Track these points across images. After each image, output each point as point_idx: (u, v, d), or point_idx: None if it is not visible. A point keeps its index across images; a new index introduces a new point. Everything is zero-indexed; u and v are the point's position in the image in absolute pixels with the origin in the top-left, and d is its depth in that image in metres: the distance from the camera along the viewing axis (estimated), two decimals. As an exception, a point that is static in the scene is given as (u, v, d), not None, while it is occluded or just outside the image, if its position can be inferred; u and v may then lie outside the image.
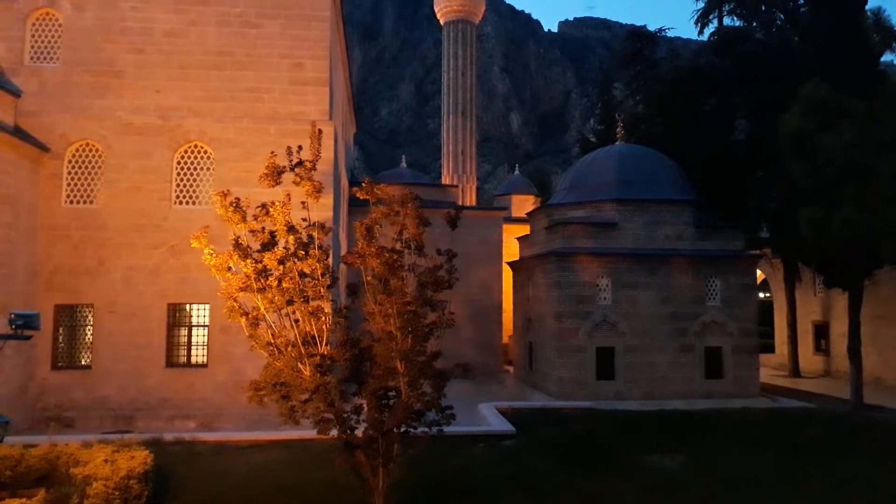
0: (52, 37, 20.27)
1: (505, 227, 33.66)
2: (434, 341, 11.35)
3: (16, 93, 19.35)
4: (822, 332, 32.58)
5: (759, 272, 30.47)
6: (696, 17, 34.42)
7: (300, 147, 12.02)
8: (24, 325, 9.87)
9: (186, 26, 20.47)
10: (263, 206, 11.28)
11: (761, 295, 34.09)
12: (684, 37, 57.38)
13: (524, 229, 31.07)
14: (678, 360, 23.00)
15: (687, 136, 28.27)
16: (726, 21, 34.00)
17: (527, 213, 31.54)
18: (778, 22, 31.79)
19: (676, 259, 23.46)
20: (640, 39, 35.05)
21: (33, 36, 20.24)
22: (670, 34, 37.67)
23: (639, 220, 23.87)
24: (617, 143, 27.45)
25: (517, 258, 30.03)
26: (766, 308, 35.74)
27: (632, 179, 24.74)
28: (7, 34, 19.88)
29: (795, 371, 31.54)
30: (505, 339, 34.03)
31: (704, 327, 23.25)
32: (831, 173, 18.59)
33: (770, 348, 35.33)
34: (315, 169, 11.78)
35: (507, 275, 31.75)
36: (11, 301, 17.65)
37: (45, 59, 20.19)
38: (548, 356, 23.91)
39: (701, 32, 34.86)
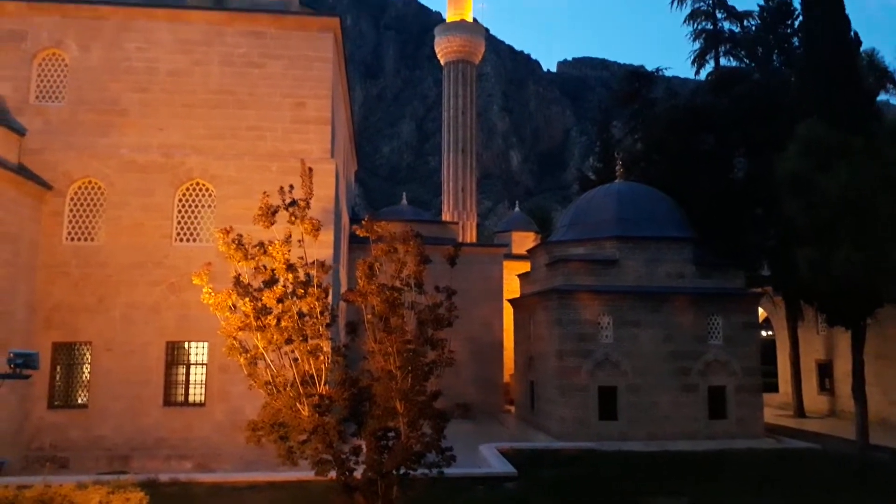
0: (58, 76, 20.54)
1: (505, 263, 33.64)
2: (434, 380, 11.23)
3: (20, 131, 19.52)
4: (825, 371, 32.28)
5: (760, 310, 30.34)
6: (693, 58, 35.03)
7: (292, 186, 12.05)
8: (24, 364, 9.82)
9: (191, 66, 20.75)
10: (261, 244, 11.26)
11: (763, 333, 33.88)
12: (682, 76, 58.16)
13: (525, 266, 31.04)
14: (681, 399, 22.75)
15: (685, 174, 28.46)
16: (723, 61, 34.61)
17: (527, 250, 31.55)
18: (774, 62, 32.29)
19: (677, 297, 23.39)
20: (637, 79, 35.55)
21: (39, 75, 20.51)
22: (668, 73, 38.18)
23: (639, 258, 23.87)
24: (616, 180, 27.62)
25: (518, 295, 29.94)
26: (769, 346, 35.48)
27: (631, 217, 24.82)
28: (14, 74, 20.14)
29: (800, 411, 31.17)
30: (506, 378, 33.72)
31: (707, 366, 23.06)
32: (829, 212, 18.65)
33: (774, 387, 34.97)
34: (309, 207, 11.80)
35: (509, 312, 31.61)
36: (10, 339, 17.53)
37: (50, 98, 20.42)
38: (550, 395, 23.66)
39: (698, 72, 35.42)
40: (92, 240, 19.94)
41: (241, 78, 20.83)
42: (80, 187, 20.09)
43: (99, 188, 20.09)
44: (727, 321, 23.43)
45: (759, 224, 28.75)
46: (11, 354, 9.93)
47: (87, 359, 19.44)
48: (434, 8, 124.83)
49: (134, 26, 20.69)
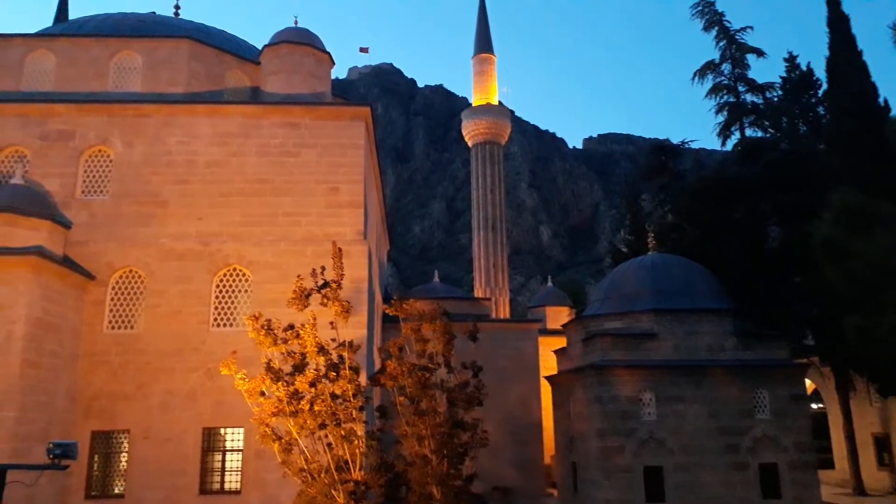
0: (103, 171, 21.49)
1: (541, 339, 33.15)
2: (470, 462, 10.96)
3: (66, 224, 20.32)
4: (883, 444, 30.66)
5: (808, 382, 29.23)
6: (717, 130, 35.33)
7: (323, 268, 12.23)
8: (62, 454, 9.86)
9: (228, 157, 21.57)
10: (291, 327, 11.37)
11: (814, 406, 32.52)
12: (708, 147, 58.53)
13: (560, 342, 30.58)
14: (732, 478, 21.71)
15: (718, 243, 28.24)
16: (748, 132, 34.82)
17: (562, 326, 31.15)
18: (801, 131, 32.40)
19: (720, 370, 22.71)
20: (664, 152, 35.90)
21: (86, 171, 21.49)
22: (694, 145, 38.55)
23: (678, 331, 23.38)
24: (649, 252, 27.44)
25: (555, 372, 29.38)
26: (821, 420, 33.95)
27: (667, 289, 24.49)
28: (62, 171, 21.14)
29: (860, 489, 29.45)
30: (547, 460, 32.64)
31: (756, 442, 22.09)
32: (871, 279, 18.22)
33: (829, 463, 33.22)
34: (340, 288, 11.94)
35: (547, 390, 30.94)
36: (50, 428, 17.71)
37: (95, 192, 21.32)
38: (593, 477, 22.78)
39: (724, 144, 35.65)
40: (132, 328, 20.31)
41: (277, 167, 21.55)
42: (121, 276, 20.66)
43: (139, 277, 20.63)
44: (774, 394, 22.58)
45: (798, 292, 28.14)
46: (51, 445, 9.99)
47: (125, 447, 19.44)
48: (460, 93, 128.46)
49: (175, 122, 21.73)
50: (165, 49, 23.59)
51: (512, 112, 61.21)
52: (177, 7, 29.44)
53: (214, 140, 21.69)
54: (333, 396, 10.81)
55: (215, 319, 20.48)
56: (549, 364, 32.10)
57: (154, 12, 29.27)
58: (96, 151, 21.61)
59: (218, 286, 20.77)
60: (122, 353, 19.90)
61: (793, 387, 22.96)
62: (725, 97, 35.44)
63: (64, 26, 28.87)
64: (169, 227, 20.93)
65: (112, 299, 20.50)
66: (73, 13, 43.39)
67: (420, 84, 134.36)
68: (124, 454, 19.41)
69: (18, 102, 21.76)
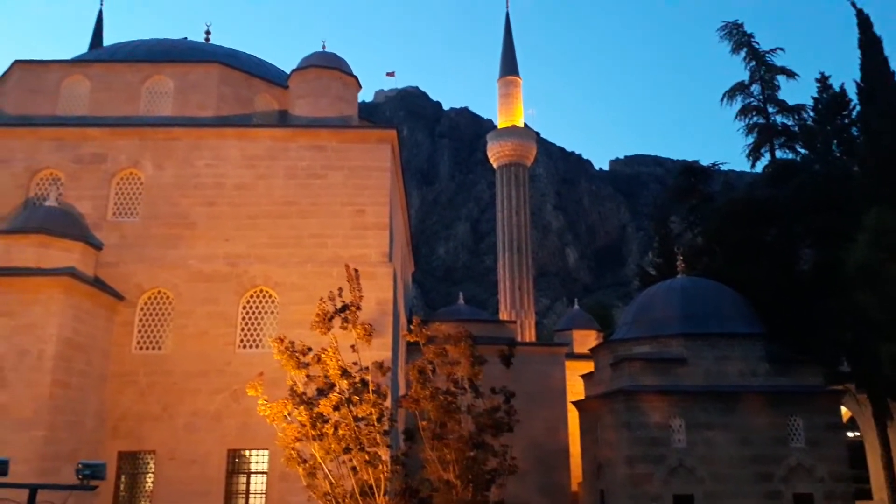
0: (134, 194, 21.83)
1: (568, 364, 32.74)
2: (497, 489, 10.74)
3: (97, 246, 20.63)
4: (924, 475, 29.53)
5: (844, 409, 28.41)
6: (747, 152, 34.88)
7: (340, 290, 12.15)
8: (91, 475, 9.87)
9: (255, 180, 21.79)
10: (311, 350, 11.30)
11: (850, 434, 31.55)
12: (737, 169, 57.74)
13: (588, 366, 30.17)
14: (765, 508, 21.07)
15: (749, 267, 27.74)
16: (778, 153, 34.32)
17: (590, 350, 30.76)
18: (835, 151, 31.86)
19: (752, 396, 22.18)
20: (693, 174, 35.53)
21: (117, 193, 21.85)
22: (723, 167, 38.06)
23: (708, 356, 22.92)
24: (678, 275, 27.04)
25: (582, 397, 28.95)
26: (858, 449, 32.88)
27: (697, 313, 24.08)
28: (94, 193, 21.52)
29: (900, 520, 28.36)
30: (574, 487, 32.06)
31: (790, 472, 21.46)
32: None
33: (866, 494, 32.09)
34: (360, 310, 11.85)
35: (574, 415, 30.48)
36: (79, 449, 17.83)
37: (126, 214, 21.65)
38: (620, 504, 22.29)
39: (753, 165, 35.17)
40: (159, 348, 20.46)
41: (304, 189, 21.70)
42: (149, 297, 20.87)
43: (167, 298, 20.81)
44: (808, 422, 21.96)
45: (832, 317, 27.45)
46: (80, 465, 10.02)
47: (151, 468, 19.49)
48: (485, 116, 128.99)
49: (204, 145, 22.04)
50: (196, 74, 24.01)
51: (537, 134, 61.24)
52: (207, 32, 30.04)
53: (243, 163, 21.93)
54: (357, 420, 10.69)
55: (241, 341, 20.55)
56: (576, 389, 31.65)
57: (185, 38, 29.92)
58: (128, 174, 21.98)
59: (244, 307, 20.88)
60: (149, 373, 20.02)
61: (828, 414, 22.34)
62: (755, 118, 35.03)
63: (98, 52, 29.64)
64: (197, 248, 21.13)
65: (140, 320, 20.70)
66: (108, 39, 44.57)
67: (445, 107, 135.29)
68: (150, 475, 19.45)
69: (54, 126, 22.27)
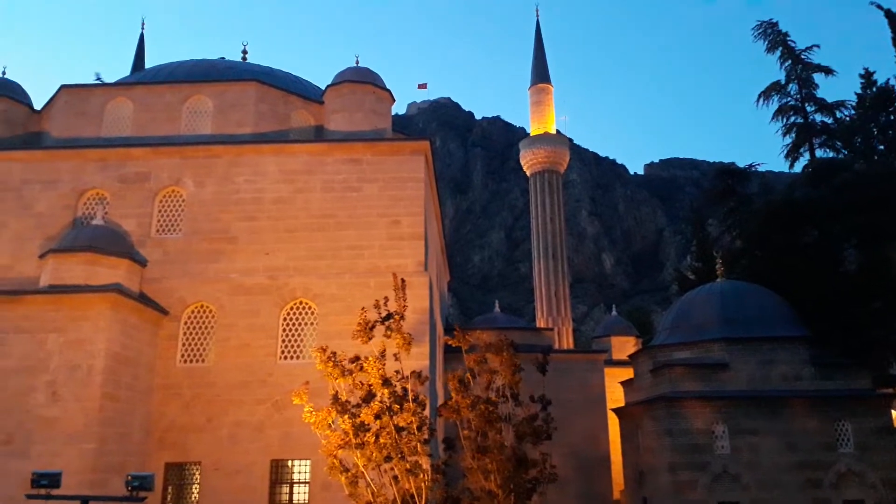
0: (176, 210, 22.42)
1: (606, 370, 32.42)
2: (538, 498, 10.75)
3: (142, 262, 21.22)
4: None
5: (894, 413, 27.57)
6: (785, 152, 34.27)
7: (386, 299, 12.32)
8: (140, 486, 10.19)
9: (294, 193, 22.20)
10: (356, 359, 11.48)
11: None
12: (776, 170, 56.60)
13: (627, 373, 29.87)
14: (814, 516, 20.57)
15: (791, 269, 27.21)
16: (818, 153, 33.63)
17: (629, 356, 30.46)
18: (878, 150, 31.10)
19: (797, 401, 21.71)
20: (730, 176, 35.03)
21: (160, 211, 22.47)
22: (761, 168, 37.40)
23: (751, 360, 22.52)
24: (717, 279, 26.65)
25: (622, 404, 28.66)
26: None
27: (738, 317, 23.68)
28: (138, 210, 22.18)
29: (958, 529, 27.35)
30: (616, 495, 31.69)
31: (840, 478, 20.92)
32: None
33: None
34: (403, 319, 11.99)
35: (614, 422, 30.17)
36: (127, 461, 18.30)
37: (168, 230, 22.23)
38: (664, 512, 21.98)
39: (792, 166, 34.54)
40: (203, 361, 20.92)
41: (341, 201, 22.03)
42: (192, 311, 21.37)
43: (210, 311, 21.29)
44: (857, 426, 21.40)
45: (879, 318, 26.72)
46: (129, 477, 10.34)
47: (197, 479, 19.88)
48: (518, 124, 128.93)
49: (243, 161, 22.54)
50: (234, 92, 24.61)
51: (570, 140, 60.97)
52: (244, 51, 30.75)
53: (281, 177, 22.36)
54: (398, 429, 10.81)
55: (282, 352, 20.89)
56: (615, 396, 31.34)
57: (223, 57, 30.65)
58: (170, 192, 22.58)
59: (285, 319, 21.23)
60: (193, 385, 20.47)
61: (878, 418, 21.73)
62: (793, 118, 34.42)
63: (140, 75, 30.55)
64: (238, 262, 21.58)
65: (184, 333, 21.19)
66: (150, 61, 45.89)
67: (477, 116, 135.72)
68: (196, 485, 19.84)
69: (99, 148, 23.02)
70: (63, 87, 25.37)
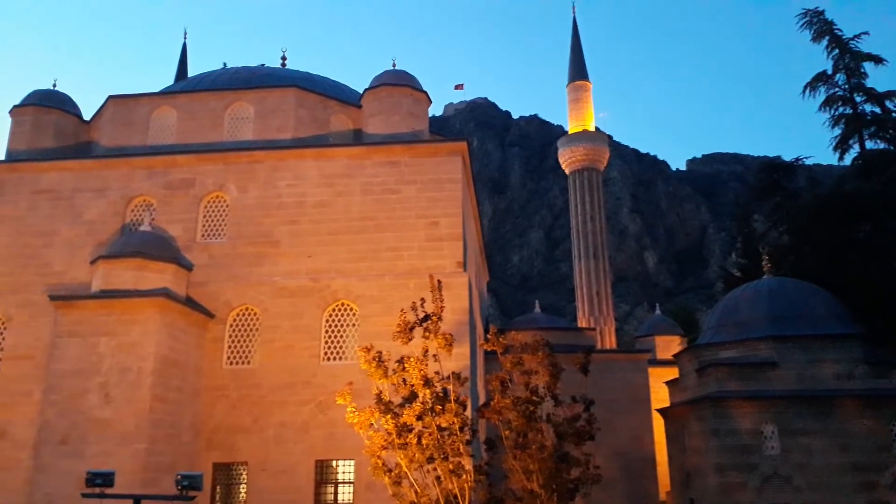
0: (220, 216, 22.91)
1: (651, 370, 31.96)
2: (581, 498, 10.66)
3: (188, 267, 21.72)
4: None
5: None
6: (834, 144, 33.24)
7: (423, 300, 12.36)
8: (189, 485, 10.44)
9: (334, 197, 22.47)
10: (400, 360, 11.54)
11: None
12: (824, 163, 54.98)
13: (672, 372, 29.37)
14: (870, 519, 19.92)
15: (842, 265, 26.39)
16: (868, 145, 32.54)
17: (673, 355, 29.94)
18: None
19: (850, 401, 21.03)
20: (776, 170, 34.15)
21: (205, 216, 22.99)
22: (808, 162, 36.32)
23: (800, 359, 21.91)
24: (764, 276, 26.02)
25: (667, 404, 28.20)
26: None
27: (786, 315, 23.06)
28: (184, 216, 22.72)
29: None
30: (662, 496, 31.22)
31: (897, 480, 20.19)
32: None
33: None
34: (441, 320, 12.01)
35: (658, 423, 29.73)
36: (177, 460, 18.74)
37: (213, 235, 22.73)
38: (712, 515, 21.55)
39: (841, 158, 33.43)
40: (248, 363, 21.31)
41: (380, 204, 22.22)
42: (238, 314, 21.79)
43: (254, 314, 21.68)
44: (915, 427, 20.63)
45: (938, 315, 25.74)
46: (179, 476, 10.61)
47: (244, 478, 20.27)
48: (555, 122, 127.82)
49: (284, 166, 22.91)
50: (274, 98, 25.03)
51: (610, 137, 60.37)
52: (283, 58, 31.27)
53: (321, 181, 22.65)
54: (440, 430, 10.84)
55: (325, 353, 21.15)
56: (659, 396, 30.87)
57: (263, 64, 31.21)
58: (214, 197, 23.06)
59: (327, 321, 21.49)
60: (239, 387, 20.87)
61: (937, 419, 20.90)
62: (841, 109, 33.34)
63: (184, 83, 31.28)
64: (281, 265, 21.93)
65: (230, 336, 21.63)
66: (192, 69, 46.98)
67: (515, 115, 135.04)
68: (243, 485, 20.23)
69: (146, 156, 23.67)
70: (110, 97, 26.15)
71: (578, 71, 57.04)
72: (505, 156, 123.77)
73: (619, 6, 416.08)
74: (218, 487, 20.33)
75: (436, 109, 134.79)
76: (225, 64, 32.12)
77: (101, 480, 11.15)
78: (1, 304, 21.84)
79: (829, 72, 33.58)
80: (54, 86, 27.45)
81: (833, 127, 33.45)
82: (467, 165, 23.62)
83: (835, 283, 25.32)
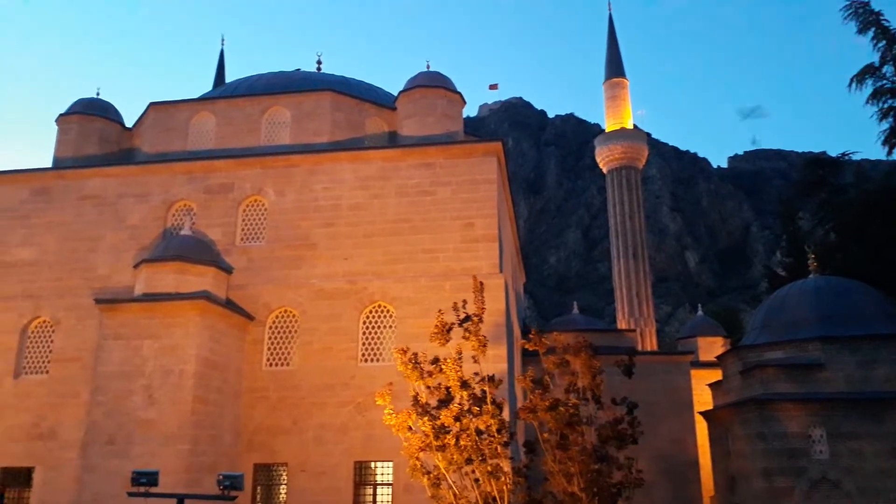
0: (259, 219, 23.19)
1: (693, 372, 31.30)
2: (623, 502, 10.46)
3: (228, 270, 22.03)
4: None
5: None
6: (883, 139, 32.13)
7: (465, 302, 12.28)
8: (231, 485, 10.56)
9: (370, 199, 22.55)
10: (436, 361, 11.48)
11: None
12: (871, 158, 53.23)
13: (715, 375, 28.74)
14: (926, 526, 19.16)
15: (891, 262, 25.52)
16: (920, 138, 31.36)
17: (717, 357, 29.28)
18: None
19: (903, 403, 20.27)
20: (821, 166, 33.23)
21: (244, 220, 23.30)
22: (855, 157, 35.23)
23: (849, 360, 21.21)
24: (810, 275, 25.28)
25: (710, 407, 27.60)
26: None
27: (835, 314, 22.36)
28: (223, 220, 23.06)
29: None
30: (706, 501, 30.56)
31: (954, 486, 19.38)
32: None
33: None
34: (482, 321, 11.91)
35: (701, 426, 29.11)
36: (218, 461, 19.00)
37: (252, 238, 23.02)
38: (758, 520, 20.99)
39: (890, 153, 32.28)
40: (287, 364, 21.52)
41: (415, 206, 22.22)
42: (277, 316, 22.02)
43: (293, 316, 21.88)
44: (974, 431, 19.79)
45: None
46: (221, 477, 10.73)
47: (284, 479, 20.45)
48: (592, 120, 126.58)
49: (321, 170, 23.09)
50: (310, 102, 25.26)
51: (648, 135, 59.46)
52: (319, 62, 31.54)
53: (357, 184, 22.76)
54: (478, 432, 10.75)
55: (363, 355, 21.23)
56: (702, 398, 30.24)
57: (299, 69, 31.55)
58: (252, 201, 23.36)
59: (364, 322, 21.58)
60: (279, 388, 21.08)
61: None
62: (889, 101, 32.22)
63: (221, 89, 31.82)
64: (318, 268, 22.09)
65: (269, 338, 21.87)
66: (230, 75, 47.77)
67: (550, 114, 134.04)
68: (283, 486, 20.41)
69: (186, 161, 24.10)
70: (151, 104, 26.70)
71: (615, 68, 56.35)
72: (540, 155, 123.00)
73: (655, 1, 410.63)
74: (258, 488, 20.56)
75: (470, 110, 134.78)
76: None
77: (145, 480, 11.35)
78: (49, 308, 22.46)
79: (877, 64, 32.52)
80: (98, 94, 28.19)
81: (881, 120, 32.32)
82: (502, 166, 23.48)
83: (885, 282, 24.51)
